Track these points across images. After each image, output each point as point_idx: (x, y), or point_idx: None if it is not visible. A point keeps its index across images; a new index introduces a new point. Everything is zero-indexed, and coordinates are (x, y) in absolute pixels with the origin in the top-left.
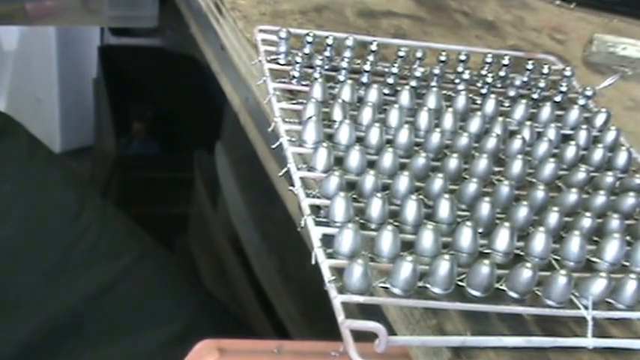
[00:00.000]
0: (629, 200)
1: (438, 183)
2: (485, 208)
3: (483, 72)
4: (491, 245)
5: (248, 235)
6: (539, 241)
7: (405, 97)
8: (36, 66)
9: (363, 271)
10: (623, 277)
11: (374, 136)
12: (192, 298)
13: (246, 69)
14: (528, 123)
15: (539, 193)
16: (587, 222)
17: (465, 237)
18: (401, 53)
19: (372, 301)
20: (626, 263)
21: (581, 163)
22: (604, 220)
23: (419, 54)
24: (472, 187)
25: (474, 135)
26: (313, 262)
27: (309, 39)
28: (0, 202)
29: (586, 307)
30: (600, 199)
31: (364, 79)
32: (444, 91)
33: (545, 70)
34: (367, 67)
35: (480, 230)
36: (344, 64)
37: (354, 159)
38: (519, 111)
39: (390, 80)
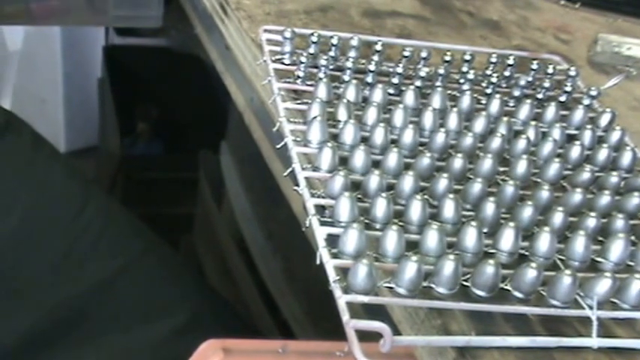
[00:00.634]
0: (634, 200)
1: (442, 183)
2: (490, 208)
3: (488, 72)
4: (496, 245)
5: (253, 234)
6: (543, 241)
7: (409, 97)
8: (41, 66)
9: (367, 271)
10: (628, 277)
11: (379, 136)
12: (195, 293)
13: (250, 69)
14: (533, 123)
15: (544, 193)
16: (591, 222)
17: (470, 237)
18: (406, 53)
19: (377, 301)
20: (631, 263)
21: (585, 163)
22: (609, 220)
23: (424, 54)
24: (477, 187)
25: (478, 135)
26: (318, 262)
27: (314, 39)
28: (4, 195)
29: (591, 307)
30: (605, 199)
31: (369, 79)
32: (449, 91)
33: (550, 70)
34: (372, 67)
35: (485, 230)
36: (349, 64)
37: (359, 159)
38: (524, 111)
39: (395, 80)
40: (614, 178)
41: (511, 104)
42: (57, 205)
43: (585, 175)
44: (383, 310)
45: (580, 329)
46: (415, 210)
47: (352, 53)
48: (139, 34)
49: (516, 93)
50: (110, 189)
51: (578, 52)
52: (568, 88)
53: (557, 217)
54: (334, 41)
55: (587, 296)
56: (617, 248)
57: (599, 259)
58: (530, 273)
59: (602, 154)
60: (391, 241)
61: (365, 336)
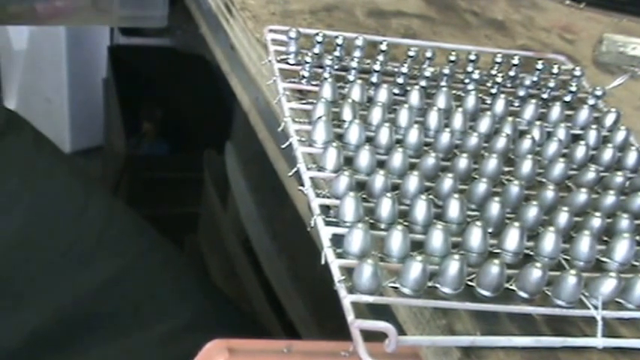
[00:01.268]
0: (639, 200)
1: (447, 183)
2: (495, 208)
3: (493, 72)
4: (501, 245)
5: (258, 234)
6: (548, 241)
7: (414, 97)
8: (46, 66)
9: (372, 271)
10: (633, 277)
11: (384, 136)
12: (198, 292)
13: (256, 69)
14: (538, 123)
15: (549, 193)
16: (596, 222)
17: (475, 237)
18: (411, 53)
19: (382, 301)
20: (636, 263)
21: (590, 162)
22: (614, 219)
23: (429, 54)
24: (482, 186)
25: (483, 135)
26: (323, 261)
27: (319, 39)
28: (5, 195)
29: (596, 307)
30: (610, 198)
31: (374, 78)
32: (454, 91)
33: (555, 70)
34: (377, 67)
35: (490, 230)
36: (354, 64)
37: (364, 159)
38: (529, 111)
39: (400, 80)
40: (619, 178)
41: (516, 104)
42: (59, 204)
43: (590, 175)
44: (388, 310)
45: (585, 329)
46: (420, 210)
47: (357, 53)
48: (144, 34)
49: (521, 93)
50: (115, 189)
51: (583, 52)
52: (573, 88)
53: (562, 217)
54: (339, 41)
55: (592, 296)
56: (622, 248)
57: (604, 259)
58: (535, 273)
59: (607, 153)
60: (396, 241)
61: (370, 336)
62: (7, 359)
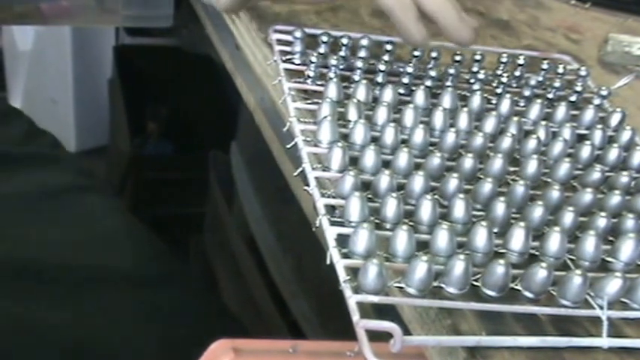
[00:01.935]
0: None
1: (453, 183)
2: (500, 208)
3: (498, 72)
4: (507, 245)
5: (263, 235)
6: (554, 241)
7: (420, 97)
8: (51, 66)
9: (378, 271)
10: (639, 277)
11: (389, 136)
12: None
13: (261, 69)
14: (543, 123)
15: (555, 193)
16: (602, 222)
17: (480, 237)
18: (416, 53)
19: (387, 301)
20: None
21: (596, 162)
22: (619, 219)
23: (434, 54)
24: (487, 186)
25: (489, 135)
26: (328, 262)
27: (325, 39)
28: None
29: (601, 307)
30: (615, 198)
31: (379, 78)
32: (459, 91)
33: (561, 70)
34: (382, 67)
35: (495, 230)
36: (359, 64)
37: (369, 159)
38: (534, 111)
39: (405, 80)
40: (624, 178)
41: (521, 104)
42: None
43: (596, 174)
44: (393, 310)
45: (590, 329)
46: (425, 210)
47: (362, 53)
48: (150, 34)
49: (527, 93)
50: (120, 189)
51: (588, 52)
52: (578, 88)
53: (568, 217)
54: (344, 41)
55: (598, 296)
56: (627, 248)
57: (609, 258)
58: (541, 273)
59: (613, 153)
60: (401, 241)
61: (375, 336)
62: None
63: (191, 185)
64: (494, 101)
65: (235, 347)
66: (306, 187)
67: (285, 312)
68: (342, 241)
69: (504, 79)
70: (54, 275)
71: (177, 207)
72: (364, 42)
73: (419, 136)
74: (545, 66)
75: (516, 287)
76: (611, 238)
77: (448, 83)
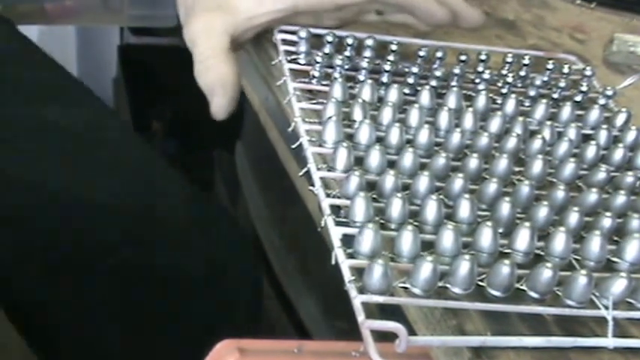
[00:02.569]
0: None
1: (458, 183)
2: (505, 208)
3: (504, 72)
4: (512, 245)
5: (268, 234)
6: (559, 241)
7: (425, 97)
8: None
9: (383, 271)
10: None
11: (394, 136)
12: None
13: (266, 69)
14: (549, 123)
15: (560, 193)
16: (607, 222)
17: (486, 237)
18: (421, 53)
19: (392, 301)
20: None
21: (601, 162)
22: (624, 219)
23: (439, 54)
24: (492, 187)
25: (494, 135)
26: (333, 262)
27: (329, 39)
28: None
29: (606, 307)
30: (621, 198)
31: (384, 78)
32: (465, 91)
33: (566, 70)
34: (387, 67)
35: (501, 230)
36: (364, 64)
37: (375, 159)
38: (540, 111)
39: (411, 80)
40: (629, 178)
41: (527, 104)
42: None
43: (601, 174)
44: (398, 310)
45: (596, 329)
46: (430, 210)
47: (368, 53)
48: (154, 34)
49: (532, 93)
50: None
51: (593, 52)
52: (584, 88)
53: (573, 217)
54: (349, 41)
55: (603, 296)
56: (632, 248)
57: (614, 259)
58: (546, 273)
59: (618, 153)
60: (406, 241)
61: (380, 336)
62: None
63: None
64: (499, 101)
65: (240, 347)
66: (311, 187)
67: (290, 312)
68: (347, 241)
69: (509, 79)
70: None
71: None
72: (369, 42)
73: (424, 136)
74: (550, 66)
75: (522, 287)
76: (616, 238)
77: (453, 83)
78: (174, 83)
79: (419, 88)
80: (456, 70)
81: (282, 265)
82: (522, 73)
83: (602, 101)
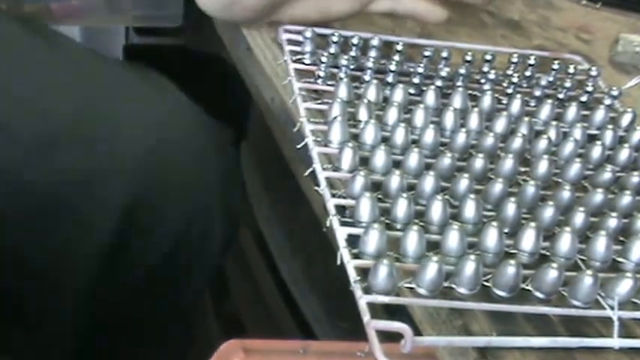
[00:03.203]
0: None
1: (463, 183)
2: (511, 208)
3: (509, 72)
4: (517, 245)
5: (273, 235)
6: (565, 242)
7: (430, 97)
8: None
9: (388, 272)
10: None
11: (399, 136)
12: None
13: (271, 69)
14: (554, 123)
15: (565, 193)
16: (613, 222)
17: (491, 237)
18: (426, 53)
19: (398, 301)
20: None
21: (607, 163)
22: (630, 220)
23: (444, 54)
24: (498, 187)
25: (499, 135)
26: (339, 262)
27: (335, 39)
28: None
29: (612, 308)
30: (626, 199)
31: (390, 78)
32: (470, 91)
33: (571, 70)
34: (393, 67)
35: (506, 230)
36: (369, 64)
37: (380, 159)
38: (545, 111)
39: (416, 80)
40: (635, 178)
41: (532, 104)
42: None
43: (606, 175)
44: (404, 311)
45: (601, 330)
46: (436, 210)
47: (373, 53)
48: (159, 34)
49: (537, 93)
50: None
51: (599, 52)
52: (589, 88)
53: (579, 218)
54: (355, 41)
55: (609, 296)
56: (638, 248)
57: (620, 259)
58: (552, 273)
59: (624, 154)
60: (412, 241)
61: (386, 336)
62: None
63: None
64: (504, 101)
65: (245, 347)
66: (316, 188)
67: (295, 312)
68: (353, 241)
69: (515, 80)
70: None
71: None
72: (374, 42)
73: (429, 137)
74: (555, 66)
75: (527, 288)
76: (622, 239)
77: (459, 83)
78: (179, 83)
79: (424, 88)
80: (462, 71)
81: (287, 266)
82: (528, 74)
83: (607, 101)
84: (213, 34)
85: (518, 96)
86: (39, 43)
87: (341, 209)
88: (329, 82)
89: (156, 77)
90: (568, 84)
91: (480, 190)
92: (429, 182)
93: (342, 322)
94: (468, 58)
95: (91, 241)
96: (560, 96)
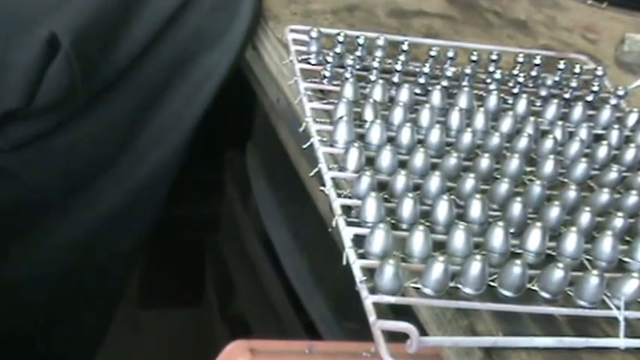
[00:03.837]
0: None
1: (469, 183)
2: (516, 208)
3: (515, 72)
4: (523, 245)
5: (279, 235)
6: (571, 241)
7: (436, 97)
8: None
9: (394, 272)
10: None
11: (405, 136)
12: None
13: (277, 69)
14: (560, 123)
15: (571, 193)
16: (619, 222)
17: (497, 237)
18: (432, 53)
19: (404, 301)
20: None
21: (613, 162)
22: (636, 219)
23: (450, 54)
24: (504, 187)
25: (505, 135)
26: (344, 262)
27: (340, 39)
28: None
29: (618, 308)
30: (632, 198)
31: (395, 78)
32: (476, 91)
33: (577, 70)
34: (398, 67)
35: (512, 230)
36: (375, 64)
37: (386, 159)
38: (551, 111)
39: (422, 80)
40: None
41: (538, 104)
42: None
43: (612, 174)
44: (410, 311)
45: (607, 330)
46: (442, 210)
47: (379, 53)
48: None
49: (543, 93)
50: None
51: (605, 52)
52: (595, 88)
53: (585, 217)
54: (360, 41)
55: (615, 296)
56: None
57: (626, 259)
58: (558, 273)
59: (630, 153)
60: (418, 241)
61: (392, 336)
62: None
63: (207, 186)
64: (510, 101)
65: (252, 348)
66: (322, 188)
67: (301, 313)
68: (359, 241)
69: (521, 79)
70: None
71: (192, 207)
72: (380, 42)
73: (435, 136)
74: (561, 66)
75: (533, 288)
76: (628, 239)
77: (464, 83)
78: None
79: (430, 88)
80: (467, 70)
81: (293, 265)
82: (534, 73)
83: (613, 101)
84: None
85: (524, 96)
86: None
87: (347, 209)
88: (335, 82)
89: None
90: (574, 84)
91: (486, 190)
92: (434, 182)
93: (348, 323)
94: (474, 57)
95: None
96: (566, 96)
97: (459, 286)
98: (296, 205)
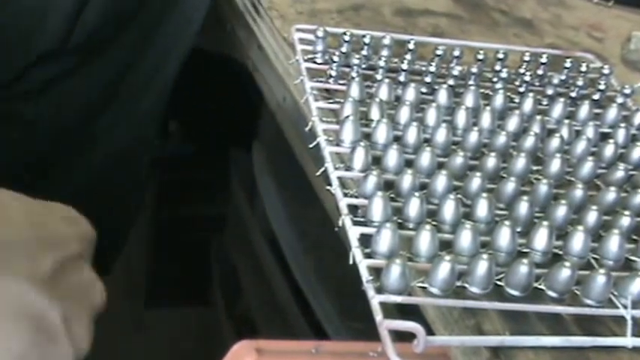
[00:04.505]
0: None
1: (476, 182)
2: (523, 207)
3: (521, 70)
4: (530, 244)
5: (285, 234)
6: (577, 240)
7: (442, 96)
8: None
9: (401, 271)
10: None
11: (411, 136)
12: None
13: (283, 68)
14: (567, 121)
15: (578, 192)
16: (626, 221)
17: (504, 236)
18: (438, 52)
19: (410, 301)
20: None
21: (619, 161)
22: None
23: (456, 52)
24: (510, 186)
25: (512, 134)
26: (351, 261)
27: (347, 38)
28: None
29: (625, 307)
30: (639, 197)
31: (402, 77)
32: (482, 90)
33: (584, 69)
34: (405, 66)
35: (519, 229)
36: (381, 63)
37: (392, 158)
38: (557, 109)
39: (428, 79)
40: None
41: (544, 103)
42: None
43: (619, 173)
44: (416, 310)
45: (615, 329)
46: (448, 209)
47: (385, 52)
48: None
49: (550, 91)
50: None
51: (611, 50)
52: (601, 87)
53: (591, 216)
54: (367, 40)
55: (622, 295)
56: None
57: (633, 257)
58: (564, 272)
59: (636, 152)
60: (424, 240)
61: (398, 336)
62: None
63: (213, 185)
64: (517, 100)
65: (258, 348)
66: (328, 187)
67: (307, 312)
68: (365, 240)
69: (527, 78)
70: None
71: (198, 207)
72: (386, 41)
73: (441, 136)
74: (568, 64)
75: (540, 287)
76: (635, 237)
77: (471, 82)
78: (191, 84)
79: (436, 87)
80: (474, 69)
81: (299, 265)
82: (540, 72)
83: (620, 100)
84: (225, 34)
85: (531, 94)
86: None
87: (353, 209)
88: (341, 82)
89: None
90: (580, 82)
91: (493, 189)
92: (441, 181)
93: (355, 322)
94: (480, 56)
95: None
96: (573, 94)
97: (466, 285)
98: (302, 204)
